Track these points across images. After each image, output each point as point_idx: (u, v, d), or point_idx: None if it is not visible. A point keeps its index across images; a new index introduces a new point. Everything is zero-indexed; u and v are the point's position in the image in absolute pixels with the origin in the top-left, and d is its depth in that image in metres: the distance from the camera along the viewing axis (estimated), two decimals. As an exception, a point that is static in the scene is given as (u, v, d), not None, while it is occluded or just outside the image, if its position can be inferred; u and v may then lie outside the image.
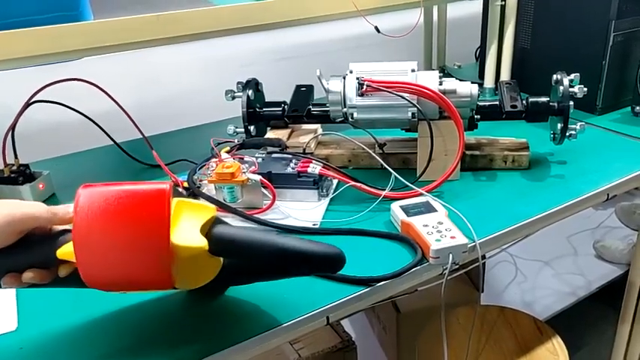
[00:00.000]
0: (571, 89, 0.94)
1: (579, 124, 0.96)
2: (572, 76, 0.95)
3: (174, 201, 0.58)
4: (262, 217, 0.86)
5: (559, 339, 1.22)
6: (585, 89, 0.95)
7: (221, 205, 0.85)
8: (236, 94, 1.02)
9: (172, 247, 0.55)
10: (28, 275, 0.57)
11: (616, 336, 1.40)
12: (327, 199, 0.92)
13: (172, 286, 0.57)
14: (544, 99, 0.99)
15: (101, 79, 1.03)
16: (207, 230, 0.59)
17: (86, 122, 1.06)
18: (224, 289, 0.72)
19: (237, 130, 1.03)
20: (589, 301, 1.99)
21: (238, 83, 1.03)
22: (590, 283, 2.07)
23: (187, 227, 0.57)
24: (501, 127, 1.03)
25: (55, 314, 0.70)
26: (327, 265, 0.62)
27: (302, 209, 0.89)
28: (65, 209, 0.58)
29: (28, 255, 0.58)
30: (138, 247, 0.54)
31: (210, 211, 0.60)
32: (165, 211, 0.55)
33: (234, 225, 0.65)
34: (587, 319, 1.90)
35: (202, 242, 0.57)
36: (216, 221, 0.61)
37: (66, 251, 0.56)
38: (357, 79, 0.94)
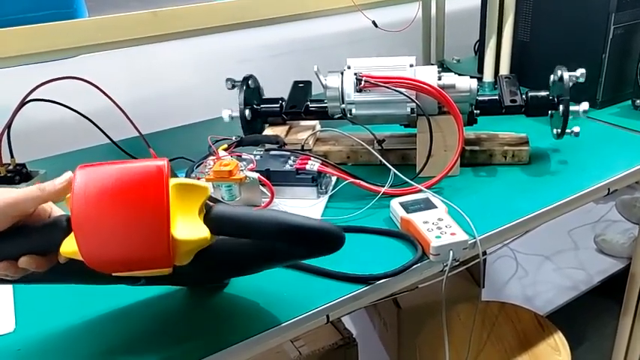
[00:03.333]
0: (571, 73, 0.93)
1: (582, 106, 0.94)
2: (577, 73, 0.94)
3: (172, 181, 0.57)
4: (261, 214, 0.86)
5: (560, 334, 1.22)
6: (584, 71, 0.94)
7: (219, 204, 0.85)
8: (235, 83, 1.01)
9: (172, 240, 0.55)
10: (24, 260, 0.56)
11: (618, 329, 1.40)
12: (326, 197, 0.92)
13: (171, 262, 0.56)
14: (544, 93, 0.98)
15: (97, 77, 1.02)
16: (206, 210, 0.59)
17: (82, 120, 1.05)
18: (223, 286, 0.72)
19: (233, 114, 1.02)
20: (590, 295, 1.99)
21: (231, 80, 1.02)
22: (592, 277, 2.06)
23: (186, 216, 0.57)
24: (501, 121, 1.03)
25: (52, 315, 0.69)
26: (326, 242, 0.61)
27: (301, 207, 0.89)
28: (52, 183, 0.58)
29: (24, 240, 0.57)
30: (137, 222, 0.54)
31: (204, 190, 0.59)
32: (164, 186, 0.54)
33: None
34: (588, 313, 1.90)
35: (205, 233, 0.57)
36: (213, 199, 0.60)
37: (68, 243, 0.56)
38: (355, 74, 0.93)
